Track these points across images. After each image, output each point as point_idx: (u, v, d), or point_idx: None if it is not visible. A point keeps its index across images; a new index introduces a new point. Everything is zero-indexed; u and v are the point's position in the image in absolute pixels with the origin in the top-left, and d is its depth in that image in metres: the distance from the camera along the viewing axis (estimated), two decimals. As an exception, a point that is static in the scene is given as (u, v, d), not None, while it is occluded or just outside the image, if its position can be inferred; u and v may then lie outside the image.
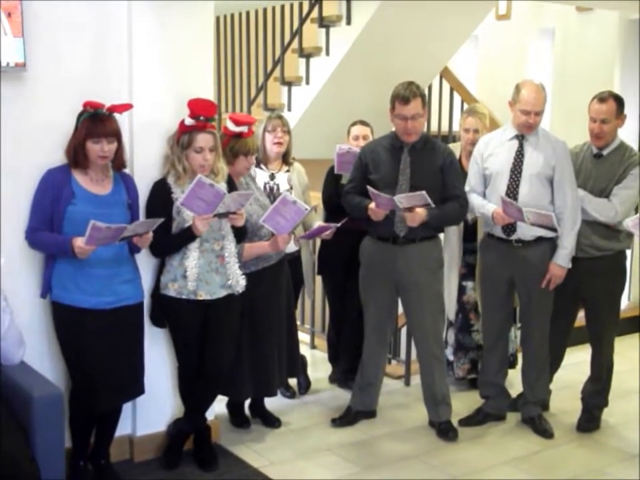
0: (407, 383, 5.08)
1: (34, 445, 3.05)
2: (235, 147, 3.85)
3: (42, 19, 3.42)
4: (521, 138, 4.18)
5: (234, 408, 4.39)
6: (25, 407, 3.07)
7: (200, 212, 3.50)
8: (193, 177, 3.51)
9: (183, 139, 3.60)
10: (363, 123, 4.76)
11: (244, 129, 3.85)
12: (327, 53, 6.15)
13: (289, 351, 4.26)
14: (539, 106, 4.10)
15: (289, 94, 6.41)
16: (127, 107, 3.47)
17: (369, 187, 3.96)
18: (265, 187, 4.35)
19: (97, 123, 3.32)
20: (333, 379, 5.07)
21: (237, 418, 4.38)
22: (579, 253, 4.19)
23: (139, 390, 3.62)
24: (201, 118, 3.57)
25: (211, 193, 3.45)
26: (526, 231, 4.12)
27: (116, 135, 3.38)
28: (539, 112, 4.10)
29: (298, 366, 4.50)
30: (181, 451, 3.91)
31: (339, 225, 4.21)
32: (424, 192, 3.85)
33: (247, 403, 4.43)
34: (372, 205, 4.01)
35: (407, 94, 4.00)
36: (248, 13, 6.93)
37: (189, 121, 3.57)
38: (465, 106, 6.78)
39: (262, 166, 4.44)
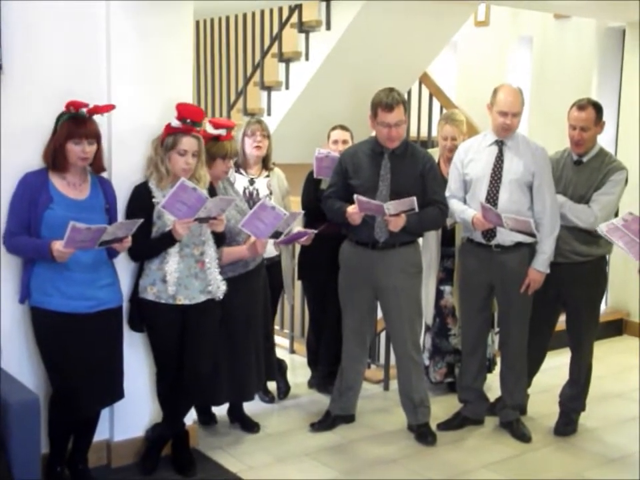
0: (386, 388, 5.09)
1: (9, 451, 3.03)
2: (212, 149, 3.84)
3: (19, 20, 3.40)
4: (500, 144, 4.20)
5: (200, 407, 4.35)
6: (0, 413, 3.04)
7: (181, 216, 3.49)
8: (175, 180, 3.51)
9: (167, 140, 3.59)
10: (343, 127, 4.77)
11: (222, 132, 3.85)
12: (307, 58, 6.15)
13: (265, 355, 4.25)
14: (515, 107, 4.12)
15: (269, 99, 6.41)
16: (109, 107, 3.46)
17: (355, 196, 3.96)
18: (244, 192, 4.34)
19: (78, 124, 3.31)
20: (312, 383, 5.06)
21: (203, 416, 4.36)
22: (560, 258, 4.22)
23: (119, 394, 3.60)
24: (188, 121, 3.57)
25: (193, 196, 3.44)
26: (505, 236, 4.14)
27: (96, 137, 3.37)
28: (515, 113, 4.13)
29: (275, 370, 4.50)
30: (158, 456, 3.89)
31: (316, 231, 4.20)
32: (414, 198, 3.87)
33: (226, 407, 4.41)
34: (350, 209, 4.01)
35: (390, 101, 4.00)
36: (228, 18, 6.92)
37: (175, 123, 3.57)
38: (444, 112, 6.81)
39: (242, 171, 4.44)
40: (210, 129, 3.83)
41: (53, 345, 3.39)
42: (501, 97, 4.12)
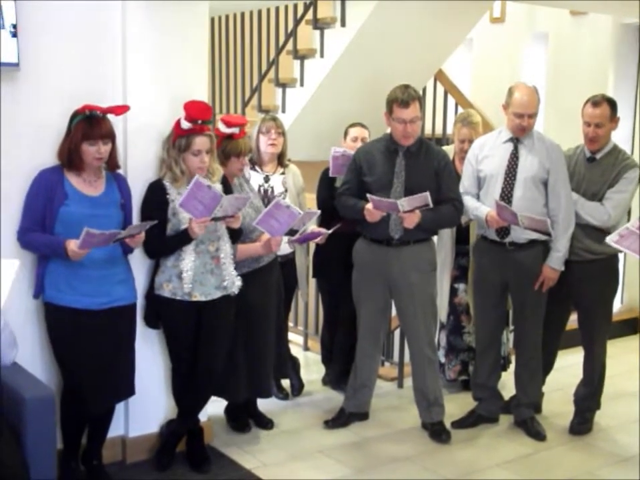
0: (400, 385, 5.08)
1: (25, 446, 3.04)
2: (226, 148, 3.85)
3: (35, 19, 3.41)
4: (515, 141, 4.18)
5: (233, 412, 4.36)
6: (16, 408, 3.06)
7: (198, 215, 3.49)
8: (190, 179, 3.51)
9: (179, 142, 3.59)
10: (362, 125, 4.76)
11: (235, 130, 3.85)
12: (322, 55, 6.14)
13: (277, 352, 4.25)
14: (531, 108, 4.10)
15: (283, 96, 6.41)
16: (125, 108, 3.47)
17: (369, 195, 3.95)
18: (259, 190, 4.34)
19: (93, 125, 3.31)
20: (326, 380, 5.07)
21: (236, 422, 4.35)
22: (572, 256, 4.20)
23: (130, 391, 3.61)
24: (199, 122, 3.57)
25: (208, 194, 3.45)
26: (519, 234, 4.13)
27: (111, 137, 3.38)
28: (531, 114, 4.11)
29: (287, 367, 4.50)
30: (173, 452, 3.90)
31: (330, 231, 4.18)
32: (427, 193, 3.86)
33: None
34: (368, 206, 4.01)
35: (405, 97, 4.00)
36: (243, 14, 6.93)
37: (185, 125, 3.56)
38: (459, 109, 6.79)
39: (257, 168, 4.43)
40: (223, 128, 3.83)
41: (65, 340, 3.41)
42: (516, 97, 4.09)
